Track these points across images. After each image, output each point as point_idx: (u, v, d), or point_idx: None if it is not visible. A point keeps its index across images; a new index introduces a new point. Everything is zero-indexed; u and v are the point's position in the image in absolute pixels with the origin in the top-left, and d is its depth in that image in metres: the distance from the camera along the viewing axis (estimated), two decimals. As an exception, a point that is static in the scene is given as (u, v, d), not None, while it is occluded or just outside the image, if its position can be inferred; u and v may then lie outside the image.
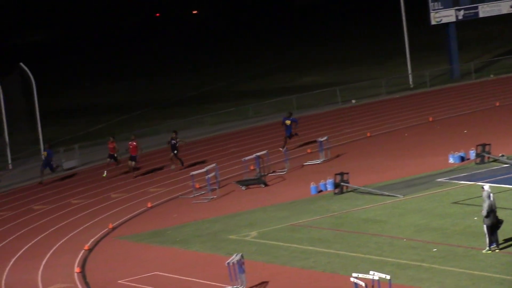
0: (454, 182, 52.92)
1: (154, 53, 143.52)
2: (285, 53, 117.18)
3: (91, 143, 75.99)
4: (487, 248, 41.89)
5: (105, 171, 63.38)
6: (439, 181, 53.64)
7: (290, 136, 64.78)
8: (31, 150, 72.57)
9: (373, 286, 36.37)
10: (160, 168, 66.23)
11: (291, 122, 64.33)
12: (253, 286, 40.52)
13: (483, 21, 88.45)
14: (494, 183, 49.48)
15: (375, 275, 36.86)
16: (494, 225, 41.92)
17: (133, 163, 62.77)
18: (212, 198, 56.14)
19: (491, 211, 41.72)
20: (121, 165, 65.19)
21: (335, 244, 45.21)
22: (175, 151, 63.25)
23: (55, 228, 53.99)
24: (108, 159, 63.23)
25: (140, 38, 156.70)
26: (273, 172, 59.89)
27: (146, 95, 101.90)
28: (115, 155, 62.92)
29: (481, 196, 42.55)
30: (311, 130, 69.77)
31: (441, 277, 39.67)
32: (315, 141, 64.30)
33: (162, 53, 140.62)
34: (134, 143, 62.61)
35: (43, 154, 63.29)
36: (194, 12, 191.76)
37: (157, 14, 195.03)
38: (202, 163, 63.14)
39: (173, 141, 63.01)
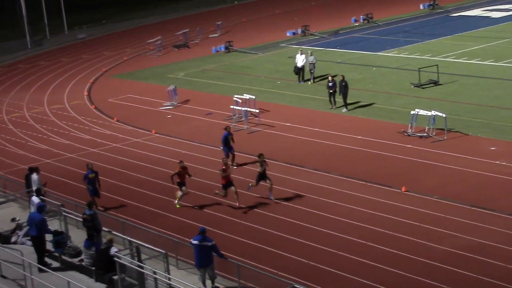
0: (289, 46, 52.39)
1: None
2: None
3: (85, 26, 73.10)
4: (305, 82, 41.95)
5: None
6: (282, 45, 53.08)
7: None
8: (58, 30, 69.46)
9: (245, 102, 36.26)
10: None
11: None
12: (181, 102, 40.07)
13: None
14: (310, 47, 49.27)
15: (246, 96, 36.71)
16: (299, 70, 41.94)
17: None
18: (159, 55, 54.91)
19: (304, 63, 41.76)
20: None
21: (225, 79, 44.79)
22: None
23: (75, 70, 52.60)
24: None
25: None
26: (192, 41, 58.65)
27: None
28: None
29: (302, 54, 42.47)
30: (213, 20, 67.89)
31: (283, 97, 39.72)
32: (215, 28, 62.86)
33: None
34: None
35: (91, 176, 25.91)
36: None
37: None
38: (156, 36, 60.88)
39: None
